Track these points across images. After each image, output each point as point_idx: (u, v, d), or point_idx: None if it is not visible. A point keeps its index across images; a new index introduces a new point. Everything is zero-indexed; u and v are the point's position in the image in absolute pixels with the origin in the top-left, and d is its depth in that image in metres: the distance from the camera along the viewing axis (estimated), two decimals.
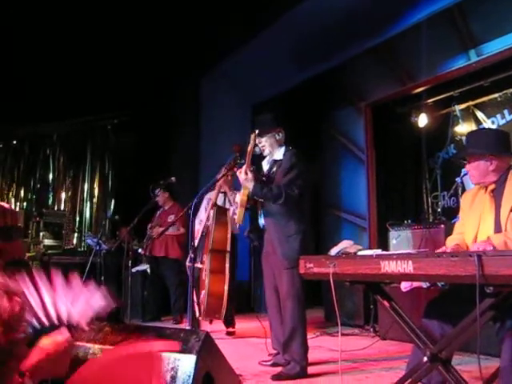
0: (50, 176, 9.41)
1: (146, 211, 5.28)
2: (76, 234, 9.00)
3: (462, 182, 5.15)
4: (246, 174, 3.45)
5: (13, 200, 9.21)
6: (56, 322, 1.42)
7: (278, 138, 3.69)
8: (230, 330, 5.30)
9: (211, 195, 5.38)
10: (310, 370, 3.50)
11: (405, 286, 4.53)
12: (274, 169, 3.65)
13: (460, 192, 5.05)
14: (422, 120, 6.45)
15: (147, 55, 7.22)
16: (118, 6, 6.24)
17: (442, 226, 4.79)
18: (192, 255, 3.64)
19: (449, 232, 2.84)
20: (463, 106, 6.34)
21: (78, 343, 1.65)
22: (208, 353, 1.60)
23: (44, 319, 1.41)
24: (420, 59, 5.84)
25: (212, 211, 4.89)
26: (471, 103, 6.28)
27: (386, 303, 2.46)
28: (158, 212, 6.62)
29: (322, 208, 7.43)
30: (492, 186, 2.53)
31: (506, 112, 5.96)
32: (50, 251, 7.45)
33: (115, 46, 6.91)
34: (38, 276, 1.41)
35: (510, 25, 5.08)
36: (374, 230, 6.52)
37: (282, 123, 3.77)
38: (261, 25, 6.68)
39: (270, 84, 7.60)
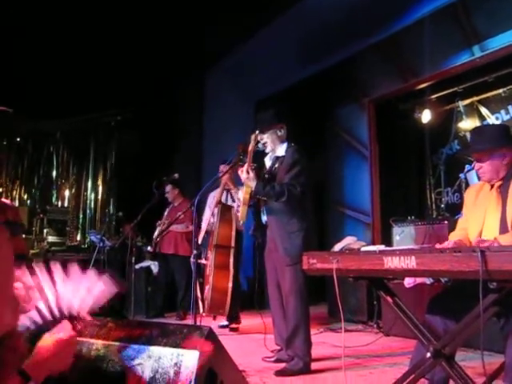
0: (54, 173, 9.43)
1: (149, 208, 5.29)
2: (80, 231, 9.02)
3: (466, 178, 5.15)
4: (248, 172, 3.45)
5: (17, 197, 9.23)
6: (58, 315, 1.42)
7: (279, 134, 3.69)
8: (234, 325, 5.31)
9: (215, 193, 5.40)
10: (314, 365, 3.51)
11: (408, 282, 4.55)
12: (277, 165, 3.64)
13: (464, 188, 5.04)
14: (426, 116, 6.42)
15: (150, 52, 7.22)
16: (121, 3, 6.25)
17: (446, 222, 4.78)
18: (196, 252, 3.65)
19: (452, 228, 2.83)
20: (467, 101, 6.31)
21: (81, 339, 1.66)
22: (211, 348, 1.60)
23: (47, 313, 1.41)
24: (424, 55, 5.81)
25: (216, 209, 4.90)
26: (475, 99, 6.25)
27: (389, 299, 2.46)
28: (168, 209, 6.61)
29: (326, 204, 7.41)
30: (499, 183, 2.51)
31: (510, 108, 5.93)
32: (53, 248, 7.48)
33: (119, 43, 6.92)
34: (38, 270, 1.41)
35: None
36: (378, 226, 6.51)
37: (284, 119, 3.76)
38: (263, 22, 6.67)
39: (273, 81, 7.58)
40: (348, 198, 7.07)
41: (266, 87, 7.84)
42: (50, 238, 7.73)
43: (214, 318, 5.52)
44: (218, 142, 8.02)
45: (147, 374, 1.56)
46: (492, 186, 2.54)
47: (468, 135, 6.27)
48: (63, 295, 1.43)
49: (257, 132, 3.61)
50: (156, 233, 6.43)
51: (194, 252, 3.68)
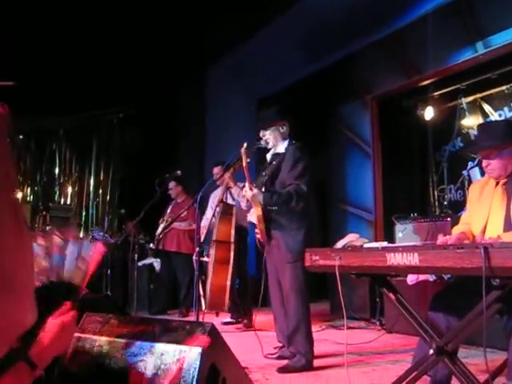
0: (57, 170, 9.44)
1: (151, 205, 5.29)
2: (82, 228, 9.04)
3: (469, 175, 5.14)
4: (251, 189, 3.43)
5: (20, 194, 9.24)
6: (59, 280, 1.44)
7: (282, 130, 3.68)
8: (245, 321, 5.28)
9: (217, 192, 5.41)
10: (316, 362, 3.51)
11: (411, 279, 4.54)
12: (275, 162, 3.63)
13: (466, 185, 5.03)
14: (429, 113, 6.40)
15: (152, 49, 7.22)
16: (123, 1, 6.25)
17: (449, 219, 4.77)
18: (198, 249, 3.66)
19: (455, 225, 2.82)
20: (470, 98, 6.28)
21: (84, 335, 1.66)
22: (214, 345, 1.60)
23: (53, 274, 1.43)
24: (427, 51, 5.79)
25: (218, 208, 4.91)
26: (478, 96, 6.22)
27: (391, 296, 2.46)
28: (170, 206, 6.60)
29: (329, 202, 7.41)
30: (504, 180, 2.50)
31: None
32: None
33: (121, 40, 6.91)
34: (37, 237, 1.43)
35: None
36: (380, 224, 6.50)
37: (286, 116, 3.75)
38: (264, 21, 6.66)
39: (274, 79, 7.57)
40: (351, 196, 7.07)
41: (267, 85, 7.83)
42: None
43: (217, 315, 5.53)
44: (219, 140, 8.02)
45: (150, 371, 1.56)
46: (497, 183, 2.53)
47: (471, 132, 6.26)
48: (62, 263, 1.44)
49: (245, 145, 3.57)
50: (159, 230, 6.44)
51: (197, 249, 3.69)
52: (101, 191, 9.48)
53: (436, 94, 6.43)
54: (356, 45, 6.55)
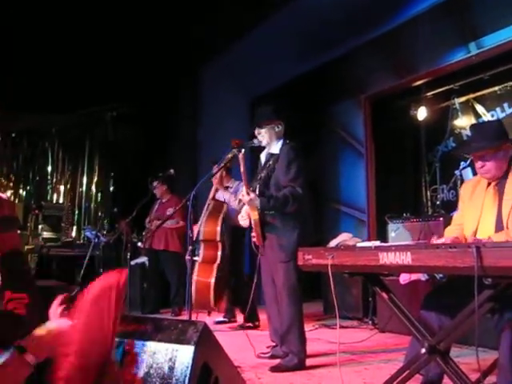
0: (49, 169, 9.40)
1: (144, 204, 5.28)
2: (75, 227, 9.00)
3: (461, 175, 5.15)
4: (248, 194, 3.44)
5: (12, 193, 9.19)
6: None
7: (277, 130, 3.69)
8: (250, 324, 5.16)
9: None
10: (309, 362, 3.51)
11: (403, 278, 4.55)
12: (270, 162, 3.63)
13: (459, 185, 5.05)
14: (422, 113, 6.42)
15: (146, 47, 7.19)
16: None
17: (441, 218, 4.79)
18: (190, 248, 3.64)
19: (447, 225, 2.83)
20: (463, 99, 6.31)
21: None
22: (206, 344, 1.60)
23: None
24: (420, 52, 5.81)
25: (208, 205, 4.90)
26: (471, 96, 6.25)
27: (384, 295, 2.46)
28: (156, 205, 6.57)
29: (322, 201, 7.42)
30: (496, 180, 2.50)
31: (505, 105, 5.94)
32: (48, 244, 7.46)
33: (114, 38, 6.88)
34: None
35: (511, 17, 5.05)
36: (373, 223, 6.52)
37: (282, 116, 3.75)
38: (259, 18, 6.65)
39: (268, 77, 7.56)
40: (343, 195, 7.08)
41: (262, 84, 7.83)
42: (45, 234, 7.70)
43: (209, 314, 5.52)
44: (214, 137, 8.00)
45: (142, 369, 1.55)
46: (489, 183, 2.53)
47: (464, 133, 6.29)
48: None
49: (243, 151, 3.58)
50: (145, 229, 6.43)
51: (190, 248, 3.67)
52: (93, 190, 9.44)
53: (429, 94, 6.44)
54: (349, 45, 6.56)
